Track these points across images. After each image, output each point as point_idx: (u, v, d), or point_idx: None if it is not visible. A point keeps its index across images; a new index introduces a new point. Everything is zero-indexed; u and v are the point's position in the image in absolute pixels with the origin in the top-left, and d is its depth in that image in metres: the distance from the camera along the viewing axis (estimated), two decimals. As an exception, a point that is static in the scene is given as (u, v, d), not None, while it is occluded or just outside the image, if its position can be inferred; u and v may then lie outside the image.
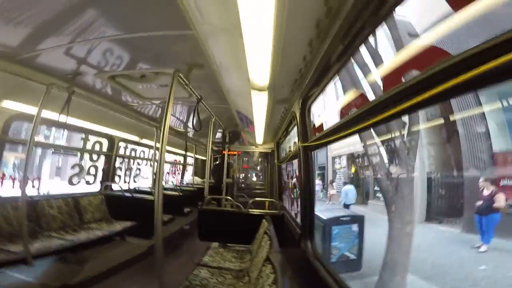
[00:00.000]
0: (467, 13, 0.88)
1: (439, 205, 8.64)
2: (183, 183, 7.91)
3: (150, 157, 6.04)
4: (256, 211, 3.45)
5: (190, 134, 6.45)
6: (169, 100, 2.07)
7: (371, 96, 2.59)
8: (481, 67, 0.63)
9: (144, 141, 5.35)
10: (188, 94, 2.84)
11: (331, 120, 2.18)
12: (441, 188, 8.80)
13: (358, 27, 1.23)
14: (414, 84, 0.90)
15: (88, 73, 2.65)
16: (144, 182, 6.21)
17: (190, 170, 8.68)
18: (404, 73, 1.26)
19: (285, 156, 4.37)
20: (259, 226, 3.02)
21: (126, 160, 5.48)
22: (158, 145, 4.92)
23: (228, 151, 5.91)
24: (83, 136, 4.25)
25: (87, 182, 4.44)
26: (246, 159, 9.58)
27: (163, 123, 2.03)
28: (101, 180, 4.68)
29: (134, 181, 5.87)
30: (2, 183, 3.01)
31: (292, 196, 4.46)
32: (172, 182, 7.65)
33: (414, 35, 5.99)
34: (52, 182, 11.96)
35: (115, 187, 4.82)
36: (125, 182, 5.44)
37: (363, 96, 2.31)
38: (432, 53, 1.27)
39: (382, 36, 5.18)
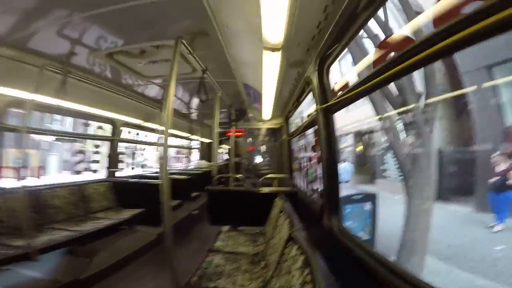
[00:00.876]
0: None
1: (450, 183, 8.38)
2: (189, 167, 7.84)
3: (154, 141, 5.89)
4: (267, 189, 3.32)
5: (194, 116, 6.26)
6: (172, 72, 1.90)
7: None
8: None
9: (148, 124, 5.17)
10: (191, 69, 2.64)
11: (350, 80, 1.96)
12: (452, 165, 8.52)
13: None
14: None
15: (83, 52, 2.47)
16: (150, 167, 6.12)
17: (196, 153, 8.58)
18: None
19: (297, 128, 4.17)
20: (271, 206, 2.90)
21: (131, 145, 5.35)
22: (162, 128, 4.80)
23: (235, 130, 5.74)
24: (84, 121, 4.09)
25: (93, 170, 4.33)
26: (252, 140, 9.42)
27: (166, 100, 1.87)
28: (107, 166, 4.56)
29: (141, 166, 5.78)
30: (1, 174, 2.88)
31: (307, 172, 4.30)
32: (179, 166, 7.58)
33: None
34: (58, 171, 12.01)
35: (121, 173, 4.72)
36: (131, 168, 5.35)
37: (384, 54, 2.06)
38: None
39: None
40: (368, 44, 3.80)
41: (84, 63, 2.73)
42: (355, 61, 4.16)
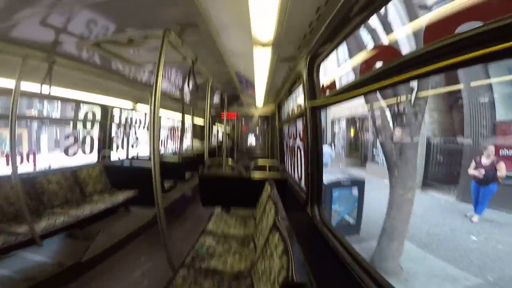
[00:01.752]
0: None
1: (436, 172, 8.68)
2: (182, 149, 7.86)
3: (146, 123, 5.86)
4: (258, 176, 3.39)
5: (187, 99, 6.19)
6: (159, 64, 1.90)
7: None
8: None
9: (140, 107, 5.12)
10: (182, 57, 2.60)
11: (339, 79, 1.99)
12: (439, 154, 8.76)
13: None
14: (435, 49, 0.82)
15: (69, 41, 2.40)
16: (143, 149, 6.13)
17: (189, 135, 8.56)
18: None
19: (287, 117, 4.20)
20: (262, 189, 2.98)
21: (122, 127, 5.31)
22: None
23: (227, 114, 5.73)
24: (74, 106, 4.02)
25: (84, 152, 4.32)
26: (246, 123, 9.41)
27: (154, 89, 1.88)
28: (97, 149, 4.55)
29: (132, 148, 5.78)
30: None
31: (295, 158, 4.42)
32: (172, 148, 7.60)
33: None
34: (51, 156, 11.91)
35: (113, 156, 4.73)
36: (122, 150, 5.35)
37: (376, 57, 2.07)
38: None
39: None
40: (366, 36, 3.72)
41: (71, 51, 2.65)
42: (351, 54, 4.10)
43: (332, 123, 17.17)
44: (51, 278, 2.39)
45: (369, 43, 3.68)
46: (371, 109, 4.64)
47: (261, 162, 4.36)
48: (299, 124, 3.30)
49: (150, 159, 1.99)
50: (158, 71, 1.88)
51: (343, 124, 15.97)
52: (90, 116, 4.32)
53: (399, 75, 1.02)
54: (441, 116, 9.17)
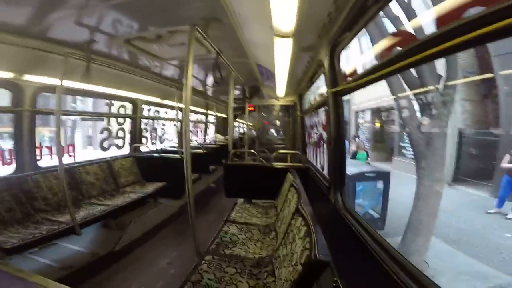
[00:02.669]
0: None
1: (469, 166, 8.05)
2: (206, 141, 8.10)
3: (173, 117, 6.12)
4: (280, 164, 3.44)
5: (210, 92, 6.35)
6: (189, 56, 1.95)
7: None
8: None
9: (166, 102, 5.36)
10: (206, 51, 2.70)
11: (360, 66, 1.98)
12: (473, 147, 8.15)
13: None
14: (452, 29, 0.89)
15: (102, 39, 2.59)
16: (169, 142, 6.42)
17: (212, 128, 8.79)
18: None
19: (309, 107, 4.19)
20: (283, 180, 3.02)
21: (151, 122, 5.60)
22: (180, 105, 4.97)
23: (249, 106, 5.81)
24: (107, 102, 4.31)
25: (117, 146, 4.63)
26: (266, 114, 9.46)
27: (185, 81, 1.95)
28: (129, 142, 4.84)
29: (160, 142, 6.08)
30: (41, 154, 3.13)
31: (318, 148, 4.43)
32: (196, 141, 7.86)
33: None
34: (85, 151, 12.77)
35: (143, 148, 5.02)
36: (152, 143, 5.65)
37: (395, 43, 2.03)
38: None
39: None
40: (388, 24, 3.58)
41: (104, 49, 2.86)
42: (373, 43, 3.97)
43: (356, 114, 16.62)
44: (87, 266, 2.58)
45: (391, 31, 3.56)
46: (397, 99, 4.48)
47: (283, 152, 4.40)
48: (321, 114, 3.31)
49: (179, 152, 2.08)
50: (188, 66, 1.93)
51: (368, 116, 15.39)
52: (122, 111, 4.60)
53: (414, 56, 1.07)
54: (475, 106, 8.52)
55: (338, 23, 1.71)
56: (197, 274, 1.69)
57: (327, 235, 1.46)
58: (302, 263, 1.19)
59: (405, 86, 4.05)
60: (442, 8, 1.07)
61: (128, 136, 4.81)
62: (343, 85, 1.98)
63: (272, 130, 9.94)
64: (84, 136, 16.56)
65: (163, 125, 6.17)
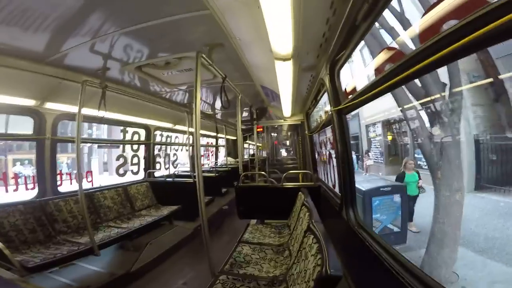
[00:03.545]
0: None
1: (491, 172, 7.66)
2: (217, 164, 8.20)
3: (184, 141, 6.28)
4: (291, 184, 3.45)
5: (219, 116, 6.52)
6: (197, 82, 2.04)
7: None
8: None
9: (178, 127, 5.55)
10: (212, 75, 2.84)
11: (362, 82, 2.04)
12: (492, 153, 7.92)
13: None
14: (450, 33, 0.91)
15: (115, 66, 2.74)
16: (182, 166, 6.54)
17: (222, 151, 8.91)
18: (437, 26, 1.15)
19: (316, 125, 4.25)
20: (295, 199, 3.02)
21: (164, 147, 5.78)
22: (191, 129, 5.13)
23: (257, 128, 5.90)
24: (122, 128, 4.52)
25: (132, 172, 4.79)
26: (275, 134, 9.54)
27: (194, 107, 2.03)
28: (144, 168, 5.00)
29: (174, 167, 6.22)
30: (61, 180, 3.33)
31: (328, 165, 4.40)
32: (208, 165, 7.96)
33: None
34: (102, 176, 13.15)
35: (157, 173, 5.15)
36: (165, 168, 5.78)
37: (393, 56, 2.10)
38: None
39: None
40: (386, 36, 3.69)
41: (118, 75, 3.03)
42: (373, 55, 4.07)
43: (367, 128, 16.42)
44: (104, 286, 2.63)
45: (389, 42, 3.65)
46: (403, 111, 4.47)
47: (293, 173, 4.39)
48: (328, 132, 3.34)
49: (191, 175, 2.13)
50: (196, 92, 2.00)
51: (379, 128, 15.17)
52: (136, 137, 4.80)
53: (405, 71, 1.13)
54: (486, 111, 8.29)
55: (333, 43, 1.81)
56: None
57: (341, 251, 1.44)
58: (314, 279, 1.19)
59: (411, 97, 4.06)
60: (431, 17, 1.14)
61: (142, 162, 4.97)
62: (345, 102, 2.03)
63: (283, 150, 9.96)
64: (100, 162, 17.08)
65: (176, 150, 6.33)
